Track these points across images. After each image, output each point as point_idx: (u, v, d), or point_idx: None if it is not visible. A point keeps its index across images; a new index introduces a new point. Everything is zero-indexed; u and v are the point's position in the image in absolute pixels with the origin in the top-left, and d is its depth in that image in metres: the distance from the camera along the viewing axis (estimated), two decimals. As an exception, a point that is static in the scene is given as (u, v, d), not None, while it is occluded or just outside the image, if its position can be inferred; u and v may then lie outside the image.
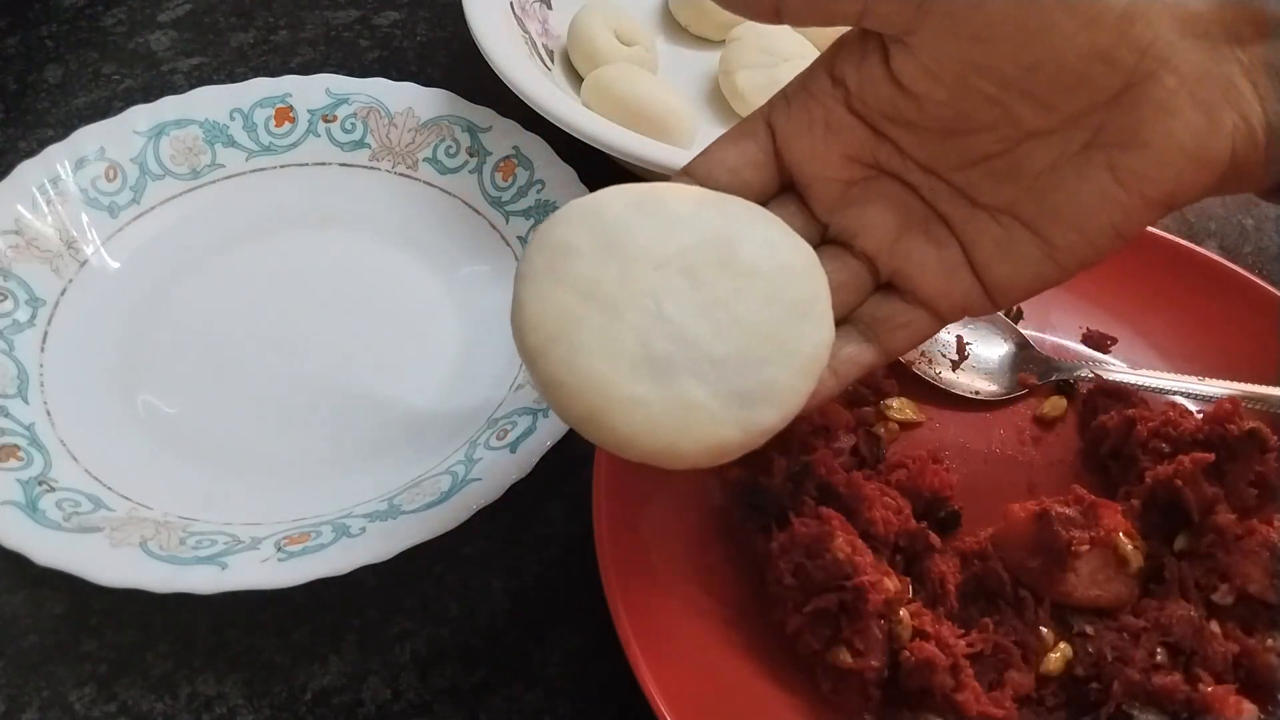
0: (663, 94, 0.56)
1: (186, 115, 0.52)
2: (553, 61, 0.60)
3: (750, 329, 0.31)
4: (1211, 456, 0.39)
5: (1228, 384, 0.43)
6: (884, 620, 0.35)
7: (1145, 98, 0.30)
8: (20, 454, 0.41)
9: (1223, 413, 0.40)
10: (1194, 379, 0.43)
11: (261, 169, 0.53)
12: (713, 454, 0.31)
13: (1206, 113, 0.30)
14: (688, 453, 0.31)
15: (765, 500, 0.39)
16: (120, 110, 0.52)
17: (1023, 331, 0.47)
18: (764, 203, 0.34)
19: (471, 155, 0.53)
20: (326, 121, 0.54)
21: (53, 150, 0.49)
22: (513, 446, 0.41)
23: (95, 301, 0.47)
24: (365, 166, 0.54)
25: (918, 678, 0.35)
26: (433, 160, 0.53)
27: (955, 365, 0.47)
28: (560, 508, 0.43)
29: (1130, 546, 0.38)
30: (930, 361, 0.47)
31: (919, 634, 0.36)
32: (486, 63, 0.52)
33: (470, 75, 0.56)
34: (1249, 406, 0.41)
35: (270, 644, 0.39)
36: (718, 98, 0.61)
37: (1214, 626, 0.37)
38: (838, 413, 0.42)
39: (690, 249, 0.31)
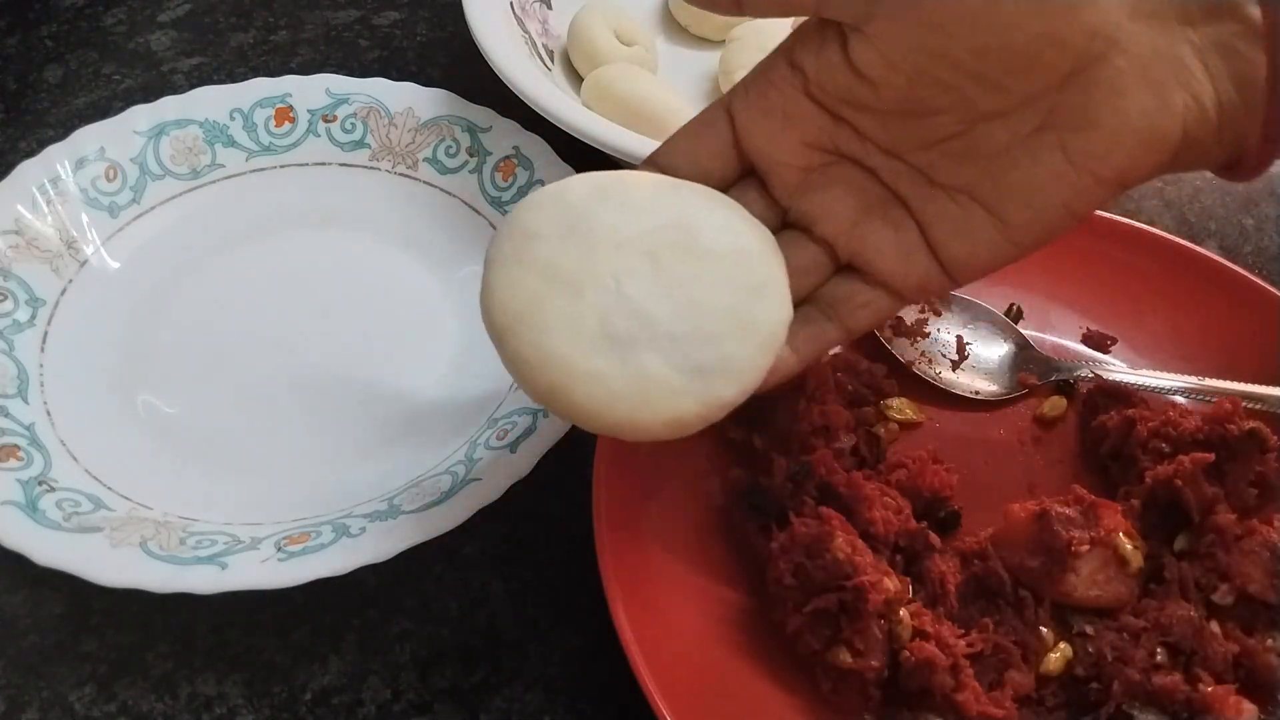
0: (663, 94, 0.56)
1: (186, 115, 0.52)
2: (553, 61, 0.60)
3: (708, 307, 0.33)
4: (1211, 456, 0.39)
5: (1228, 384, 0.43)
6: (884, 620, 0.35)
7: (1095, 79, 0.31)
8: (20, 454, 0.41)
9: (1223, 413, 0.40)
10: (1194, 379, 0.43)
11: (261, 169, 0.53)
12: (671, 426, 0.32)
13: (1157, 93, 0.31)
14: (647, 424, 0.32)
15: (765, 500, 0.39)
16: (120, 110, 0.52)
17: (1023, 331, 0.47)
18: (726, 189, 0.36)
19: (471, 155, 0.53)
20: (326, 121, 0.54)
21: (53, 150, 0.49)
22: (513, 446, 0.41)
23: (95, 301, 0.47)
24: (365, 166, 0.54)
25: (918, 678, 0.35)
26: (433, 160, 0.53)
27: (955, 365, 0.47)
28: (560, 508, 0.43)
29: (1130, 546, 0.38)
30: (930, 361, 0.47)
31: (919, 634, 0.36)
32: (486, 63, 0.52)
33: (470, 75, 0.56)
34: (1249, 406, 0.41)
35: (270, 644, 0.39)
36: (717, 98, 0.61)
37: (1214, 626, 0.37)
38: (838, 413, 0.42)
39: (650, 233, 0.33)
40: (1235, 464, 0.40)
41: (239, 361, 0.47)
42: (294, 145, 0.53)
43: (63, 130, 0.53)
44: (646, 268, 0.33)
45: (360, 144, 0.54)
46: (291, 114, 0.54)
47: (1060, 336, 0.48)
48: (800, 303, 0.35)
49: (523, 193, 0.51)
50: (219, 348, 0.47)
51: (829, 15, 0.32)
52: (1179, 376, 0.44)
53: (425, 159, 0.53)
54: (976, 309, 0.48)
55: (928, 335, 0.47)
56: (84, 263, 0.48)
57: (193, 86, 0.53)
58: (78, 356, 0.45)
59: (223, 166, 0.52)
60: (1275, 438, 0.40)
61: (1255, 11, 0.31)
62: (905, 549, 0.38)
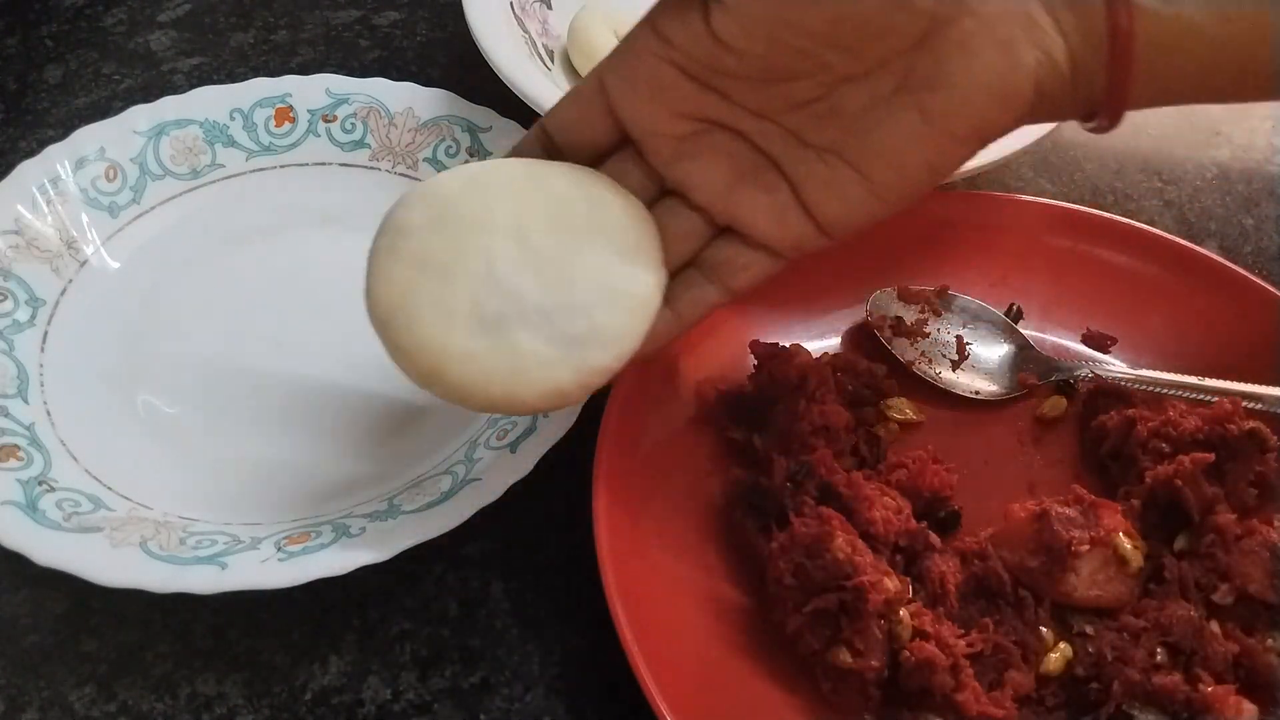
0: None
1: (186, 115, 0.52)
2: (553, 61, 0.60)
3: (577, 280, 0.34)
4: (1211, 456, 0.39)
5: (1228, 384, 0.43)
6: (884, 620, 0.35)
7: (946, 41, 0.32)
8: (20, 454, 0.41)
9: (1223, 413, 0.40)
10: (1194, 379, 0.43)
11: (261, 169, 0.53)
12: (549, 397, 0.34)
13: (1006, 51, 0.32)
14: (526, 398, 0.34)
15: (765, 500, 0.39)
16: (120, 110, 0.52)
17: (1023, 331, 0.47)
18: (606, 156, 0.37)
19: (471, 155, 0.53)
20: (326, 121, 0.54)
21: (53, 150, 0.49)
22: (513, 446, 0.41)
23: (95, 301, 0.47)
24: (365, 166, 0.54)
25: (918, 678, 0.35)
26: (433, 160, 0.53)
27: (955, 365, 0.47)
28: (560, 508, 0.43)
29: (1130, 546, 0.38)
30: (930, 361, 0.47)
31: (919, 634, 0.36)
32: (486, 63, 0.52)
33: (470, 75, 0.56)
34: (1249, 406, 0.41)
35: (270, 644, 0.39)
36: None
37: (1214, 626, 0.37)
38: (838, 413, 0.42)
39: (519, 214, 0.34)
40: (1235, 464, 0.40)
41: (239, 361, 0.46)
42: (294, 145, 0.53)
43: (63, 130, 0.53)
44: (515, 248, 0.34)
45: (360, 144, 0.54)
46: (291, 114, 0.54)
47: (1060, 336, 0.48)
48: (683, 267, 0.37)
49: (522, 193, 0.51)
50: (219, 348, 0.47)
51: None
52: (1179, 376, 0.44)
53: (425, 159, 0.53)
54: (976, 309, 0.48)
55: (928, 335, 0.47)
56: (84, 263, 0.48)
57: (193, 86, 0.53)
58: (78, 356, 0.45)
59: (223, 166, 0.52)
60: (1275, 438, 0.40)
61: None
62: (905, 549, 0.38)
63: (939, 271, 0.49)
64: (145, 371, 0.46)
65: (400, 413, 0.45)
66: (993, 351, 0.47)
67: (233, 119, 0.53)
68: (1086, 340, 0.48)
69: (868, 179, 0.34)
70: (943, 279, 0.48)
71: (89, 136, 0.50)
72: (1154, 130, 0.62)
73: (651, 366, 0.43)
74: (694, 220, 0.37)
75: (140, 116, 0.51)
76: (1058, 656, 0.37)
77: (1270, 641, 0.36)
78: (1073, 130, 0.61)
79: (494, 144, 0.52)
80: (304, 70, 0.56)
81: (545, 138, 0.37)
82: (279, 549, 0.38)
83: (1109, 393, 0.45)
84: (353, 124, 0.54)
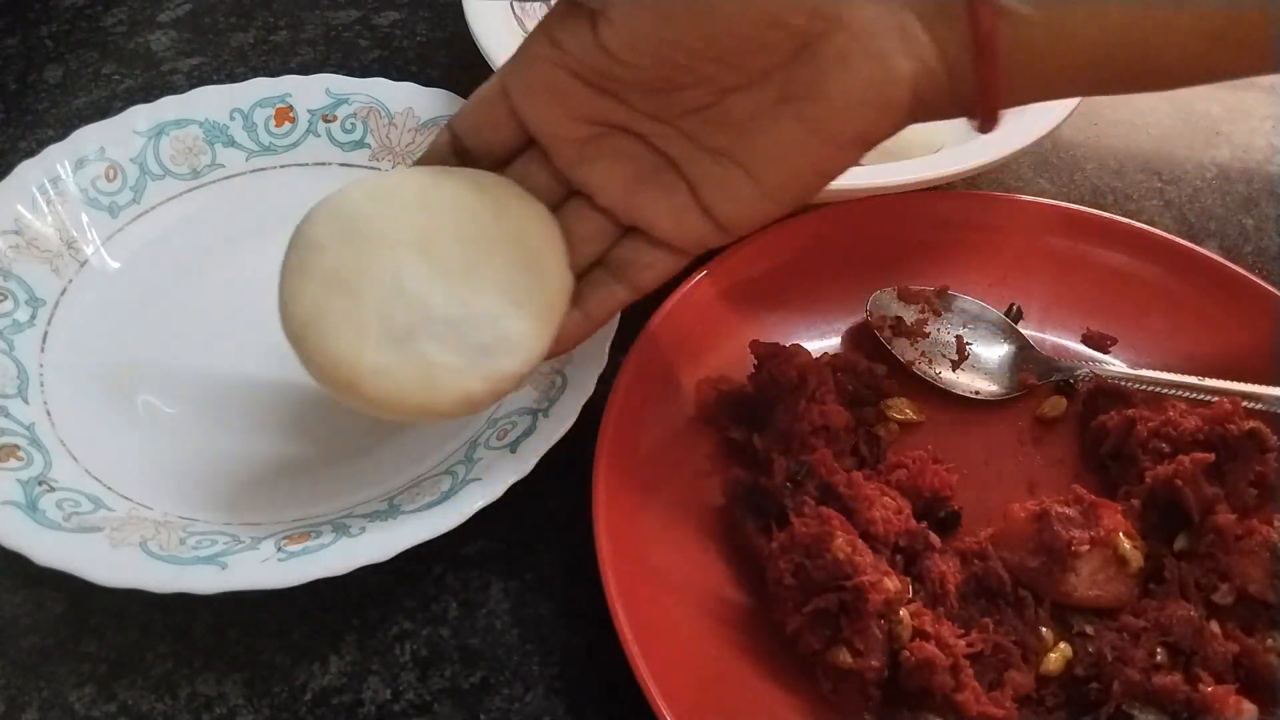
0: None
1: (186, 115, 0.52)
2: (553, 61, 0.60)
3: (484, 288, 0.35)
4: (1211, 456, 0.39)
5: (1228, 384, 0.43)
6: (884, 620, 0.35)
7: (820, 54, 0.33)
8: (20, 454, 0.41)
9: (1223, 413, 0.40)
10: (1194, 379, 0.43)
11: (261, 169, 0.53)
12: (461, 405, 0.35)
13: (880, 62, 0.33)
14: (439, 407, 0.35)
15: (765, 500, 0.39)
16: (120, 110, 0.52)
17: (1023, 331, 0.47)
18: (510, 159, 0.38)
19: (471, 155, 0.53)
20: (326, 121, 0.54)
21: (53, 150, 0.49)
22: (513, 446, 0.41)
23: (95, 301, 0.47)
24: (365, 166, 0.54)
25: (918, 678, 0.35)
26: (433, 160, 0.53)
27: (955, 365, 0.47)
28: (560, 508, 0.43)
29: (1130, 546, 0.38)
30: (930, 361, 0.47)
31: (919, 634, 0.36)
32: (486, 63, 0.52)
33: (470, 75, 0.55)
34: (1249, 406, 0.41)
35: (270, 644, 0.39)
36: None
37: (1214, 626, 0.37)
38: (838, 413, 0.42)
39: (424, 226, 0.35)
40: (1235, 464, 0.40)
41: (239, 361, 0.46)
42: (294, 145, 0.53)
43: (63, 130, 0.53)
44: (421, 261, 0.35)
45: (360, 144, 0.54)
46: (291, 114, 0.54)
47: (1060, 336, 0.48)
48: (591, 267, 0.38)
49: (522, 193, 0.51)
50: (219, 348, 0.47)
51: None
52: (1179, 376, 0.44)
53: (425, 159, 0.53)
54: (976, 309, 0.48)
55: (928, 335, 0.47)
56: (84, 263, 0.48)
57: (193, 86, 0.53)
58: (78, 356, 0.45)
59: (223, 166, 0.52)
60: (1275, 438, 0.40)
61: None
62: (905, 549, 0.38)
63: (939, 271, 0.49)
64: (145, 371, 0.46)
65: (400, 413, 0.45)
66: (993, 351, 0.47)
67: (233, 119, 0.53)
68: (1086, 340, 0.48)
69: (759, 181, 0.36)
70: (943, 279, 0.48)
71: (89, 136, 0.50)
72: (1154, 130, 0.62)
73: (651, 366, 0.43)
74: (599, 221, 0.38)
75: (140, 116, 0.51)
76: (1058, 656, 0.37)
77: (1270, 641, 0.36)
78: (1073, 130, 0.61)
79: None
80: (304, 70, 0.56)
81: (455, 140, 0.38)
82: (279, 549, 0.38)
83: (1109, 393, 0.45)
84: (353, 124, 0.54)
